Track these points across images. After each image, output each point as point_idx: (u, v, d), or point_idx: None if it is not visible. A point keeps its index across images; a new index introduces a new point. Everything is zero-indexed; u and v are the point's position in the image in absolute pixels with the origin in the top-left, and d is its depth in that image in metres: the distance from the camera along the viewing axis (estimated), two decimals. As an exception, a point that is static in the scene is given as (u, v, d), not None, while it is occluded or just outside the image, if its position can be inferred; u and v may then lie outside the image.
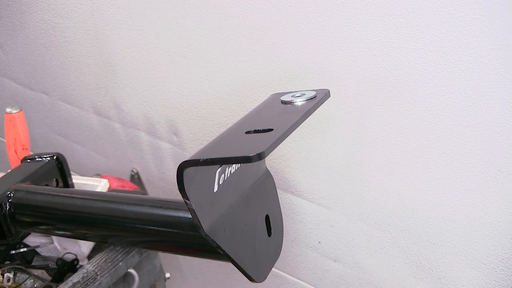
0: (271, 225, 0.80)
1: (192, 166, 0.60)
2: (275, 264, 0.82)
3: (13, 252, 1.11)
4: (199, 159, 0.59)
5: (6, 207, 0.95)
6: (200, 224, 0.65)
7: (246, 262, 0.73)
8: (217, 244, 0.68)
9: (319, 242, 1.25)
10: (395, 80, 0.97)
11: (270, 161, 1.21)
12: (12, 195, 0.96)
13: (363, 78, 1.01)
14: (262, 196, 0.80)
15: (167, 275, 1.18)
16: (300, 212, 1.24)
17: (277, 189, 0.85)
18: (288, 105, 0.74)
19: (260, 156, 0.57)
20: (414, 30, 0.91)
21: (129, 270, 1.04)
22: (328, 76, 1.04)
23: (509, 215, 0.95)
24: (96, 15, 1.38)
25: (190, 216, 0.66)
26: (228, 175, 0.70)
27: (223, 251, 0.69)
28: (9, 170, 1.08)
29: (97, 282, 0.97)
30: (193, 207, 0.63)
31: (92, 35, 1.43)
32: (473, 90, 0.89)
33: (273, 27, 1.07)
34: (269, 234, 0.79)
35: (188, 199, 0.62)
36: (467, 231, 1.02)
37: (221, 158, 0.59)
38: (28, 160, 1.09)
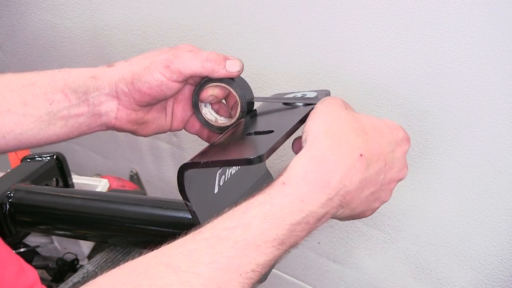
0: None
1: (192, 168, 0.60)
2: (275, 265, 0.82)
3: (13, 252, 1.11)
4: (200, 162, 0.59)
5: (6, 207, 0.95)
6: (201, 225, 0.65)
7: None
8: None
9: (319, 243, 1.25)
10: (393, 80, 0.97)
11: (270, 162, 1.21)
12: (12, 195, 0.96)
13: (362, 79, 1.01)
14: None
15: (167, 275, 1.18)
16: (300, 213, 1.24)
17: (277, 189, 0.85)
18: (289, 106, 0.74)
19: (261, 159, 0.57)
20: (413, 31, 0.91)
21: (129, 270, 1.04)
22: (328, 76, 1.04)
23: (508, 215, 0.96)
24: (95, 15, 1.38)
25: (190, 216, 0.66)
26: (229, 176, 0.70)
27: None
28: (9, 170, 1.08)
29: (97, 282, 0.97)
30: (194, 209, 0.63)
31: (91, 35, 1.43)
32: (472, 90, 0.89)
33: (273, 27, 1.07)
34: None
35: (188, 201, 0.62)
36: (466, 231, 1.02)
37: (222, 160, 0.59)
38: (28, 160, 1.09)
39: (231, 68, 0.72)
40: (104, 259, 1.02)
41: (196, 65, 0.71)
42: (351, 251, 1.20)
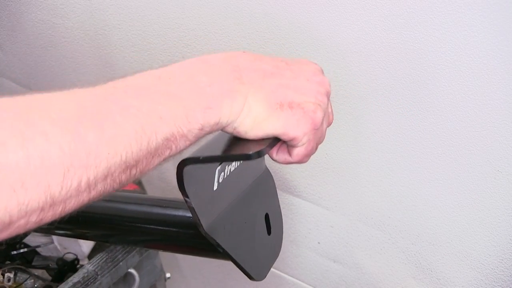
0: (271, 224, 0.80)
1: (192, 164, 0.60)
2: (275, 265, 0.82)
3: (14, 252, 1.11)
4: (199, 157, 0.59)
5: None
6: (200, 222, 0.65)
7: (246, 261, 0.73)
8: (216, 242, 0.68)
9: (319, 243, 1.25)
10: (394, 80, 0.97)
11: (269, 162, 1.21)
12: None
13: (361, 78, 1.01)
14: (262, 194, 0.80)
15: (168, 275, 1.18)
16: (299, 213, 1.24)
17: (276, 189, 0.85)
18: None
19: (260, 154, 0.57)
20: (413, 31, 0.91)
21: (129, 270, 1.04)
22: (328, 76, 1.04)
23: (508, 215, 0.96)
24: (95, 15, 1.38)
25: (190, 215, 0.66)
26: (228, 174, 0.70)
27: (223, 249, 0.69)
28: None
29: (98, 282, 0.97)
30: (193, 205, 0.63)
31: (91, 35, 1.43)
32: (472, 90, 0.90)
33: (273, 27, 1.08)
34: (269, 232, 0.80)
35: (188, 197, 0.62)
36: (466, 231, 1.02)
37: (221, 155, 0.60)
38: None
39: None
40: (104, 259, 1.02)
41: None
42: (351, 251, 1.20)
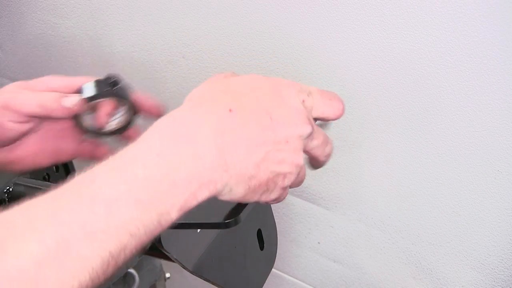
0: (264, 238, 0.78)
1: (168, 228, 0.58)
2: (275, 265, 0.82)
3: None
4: (175, 223, 0.57)
5: (5, 203, 0.95)
6: (185, 266, 0.64)
7: (238, 285, 0.71)
8: (205, 278, 0.66)
9: (319, 243, 1.25)
10: (394, 80, 0.97)
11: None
12: (11, 189, 0.95)
13: (361, 78, 1.01)
14: (253, 213, 0.77)
15: (167, 275, 1.18)
16: (299, 213, 1.24)
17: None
18: None
19: (237, 221, 0.55)
20: (413, 30, 0.91)
21: (129, 270, 1.04)
22: (328, 76, 1.04)
23: (509, 215, 0.96)
24: (96, 15, 1.38)
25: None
26: None
27: (212, 282, 0.67)
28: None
29: (97, 282, 0.97)
30: (175, 257, 0.61)
31: (92, 35, 1.43)
32: (472, 90, 0.90)
33: (273, 27, 1.08)
34: (262, 247, 0.77)
35: (168, 252, 0.60)
36: (467, 231, 1.02)
37: (197, 223, 0.58)
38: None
39: (67, 104, 0.69)
40: (104, 258, 1.01)
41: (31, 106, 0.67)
42: (351, 250, 1.20)
